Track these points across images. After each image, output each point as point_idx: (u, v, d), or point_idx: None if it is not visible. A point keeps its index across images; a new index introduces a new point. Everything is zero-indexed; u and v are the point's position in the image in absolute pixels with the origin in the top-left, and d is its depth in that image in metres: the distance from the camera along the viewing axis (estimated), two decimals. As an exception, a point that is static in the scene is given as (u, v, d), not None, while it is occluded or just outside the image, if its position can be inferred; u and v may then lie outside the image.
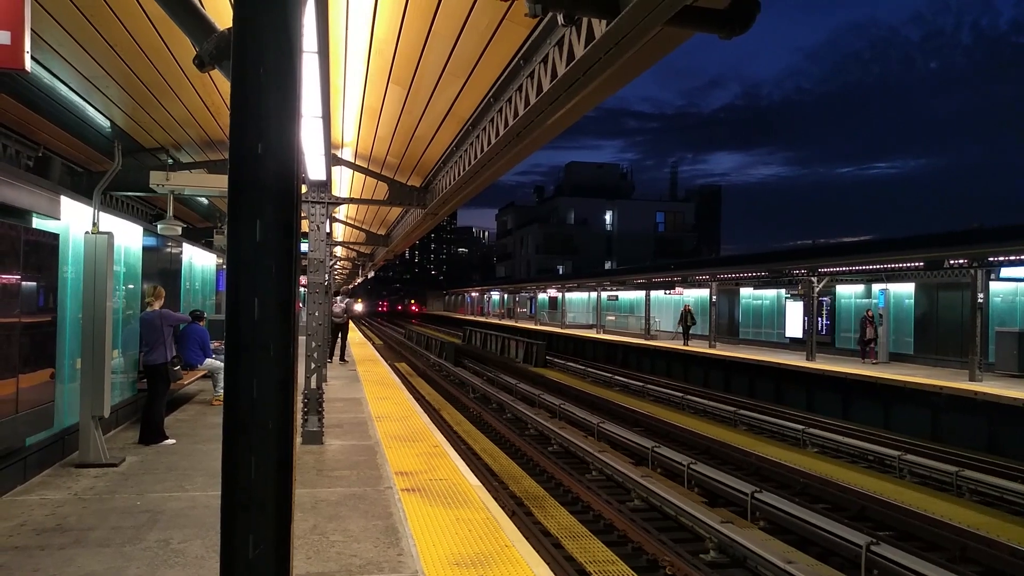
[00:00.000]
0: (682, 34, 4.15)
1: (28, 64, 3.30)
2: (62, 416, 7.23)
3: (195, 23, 2.34)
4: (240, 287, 1.58)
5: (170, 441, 8.36)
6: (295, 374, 1.65)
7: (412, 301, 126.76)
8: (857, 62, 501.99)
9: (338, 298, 20.24)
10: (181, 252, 12.80)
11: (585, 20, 4.36)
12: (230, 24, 1.74)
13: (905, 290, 21.45)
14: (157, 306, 8.73)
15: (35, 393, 6.31)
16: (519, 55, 5.84)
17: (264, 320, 1.58)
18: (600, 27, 4.13)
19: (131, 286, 9.39)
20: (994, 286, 18.58)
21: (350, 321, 22.29)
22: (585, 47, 4.42)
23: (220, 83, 6.79)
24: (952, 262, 16.94)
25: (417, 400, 14.45)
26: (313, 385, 8.67)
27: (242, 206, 1.57)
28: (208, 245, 15.41)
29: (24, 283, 6.07)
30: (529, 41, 5.54)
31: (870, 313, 20.50)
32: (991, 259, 15.78)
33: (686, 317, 27.66)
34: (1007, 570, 7.49)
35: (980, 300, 16.22)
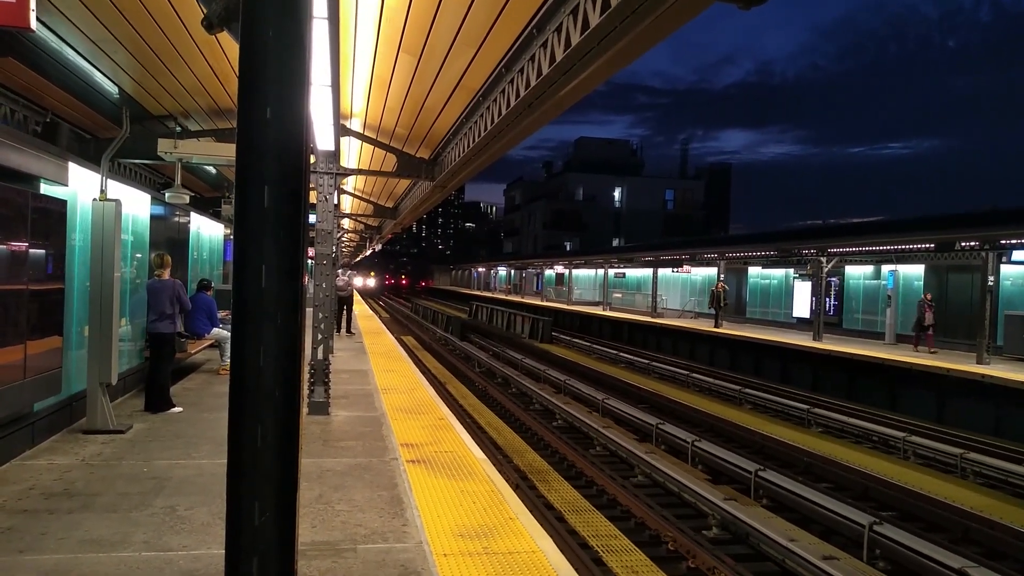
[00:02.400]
0: (700, 3, 4.05)
1: (34, 23, 3.25)
2: (70, 383, 7.26)
3: (203, -17, 2.29)
4: (247, 254, 1.55)
5: (177, 409, 8.41)
6: (302, 344, 1.62)
7: (403, 276, 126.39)
8: (873, 40, 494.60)
9: (340, 271, 20.26)
10: (189, 221, 12.78)
11: (601, -12, 4.27)
12: (239, -18, 1.69)
13: (915, 271, 21.31)
14: (166, 275, 8.72)
15: (43, 359, 6.33)
16: (532, 24, 5.74)
17: (271, 289, 1.55)
18: (616, -5, 4.04)
19: (139, 255, 9.39)
20: (1004, 269, 18.42)
21: (355, 293, 22.37)
22: (600, 15, 4.33)
23: (229, 50, 6.71)
24: (963, 244, 16.77)
25: (423, 373, 14.51)
26: (320, 356, 8.68)
27: (250, 169, 1.53)
28: (216, 215, 15.40)
29: (32, 249, 6.06)
30: (543, 10, 5.44)
31: (928, 296, 18.56)
32: (1003, 242, 15.63)
33: (719, 297, 24.98)
34: (1009, 552, 7.50)
35: (990, 283, 16.10)
